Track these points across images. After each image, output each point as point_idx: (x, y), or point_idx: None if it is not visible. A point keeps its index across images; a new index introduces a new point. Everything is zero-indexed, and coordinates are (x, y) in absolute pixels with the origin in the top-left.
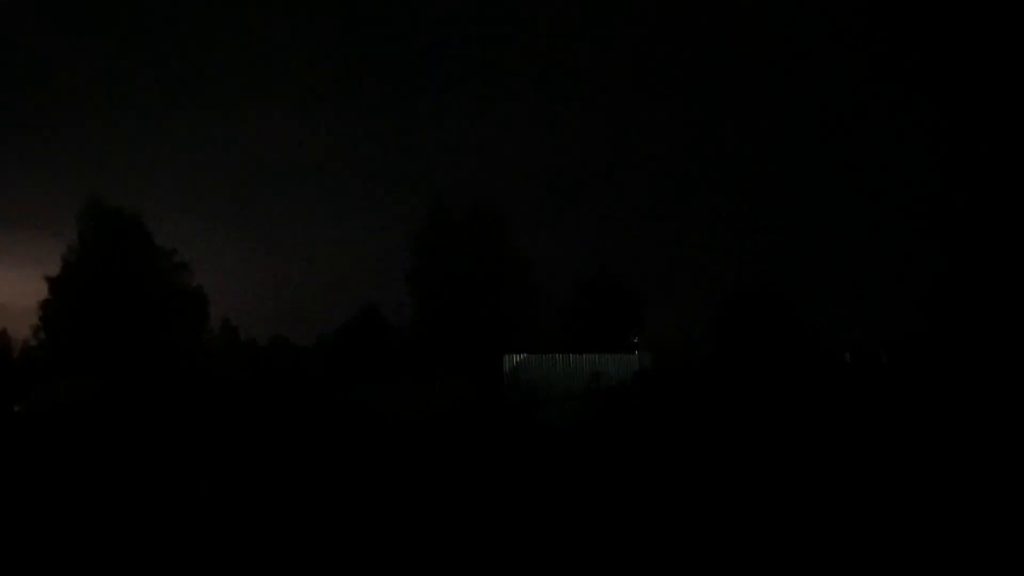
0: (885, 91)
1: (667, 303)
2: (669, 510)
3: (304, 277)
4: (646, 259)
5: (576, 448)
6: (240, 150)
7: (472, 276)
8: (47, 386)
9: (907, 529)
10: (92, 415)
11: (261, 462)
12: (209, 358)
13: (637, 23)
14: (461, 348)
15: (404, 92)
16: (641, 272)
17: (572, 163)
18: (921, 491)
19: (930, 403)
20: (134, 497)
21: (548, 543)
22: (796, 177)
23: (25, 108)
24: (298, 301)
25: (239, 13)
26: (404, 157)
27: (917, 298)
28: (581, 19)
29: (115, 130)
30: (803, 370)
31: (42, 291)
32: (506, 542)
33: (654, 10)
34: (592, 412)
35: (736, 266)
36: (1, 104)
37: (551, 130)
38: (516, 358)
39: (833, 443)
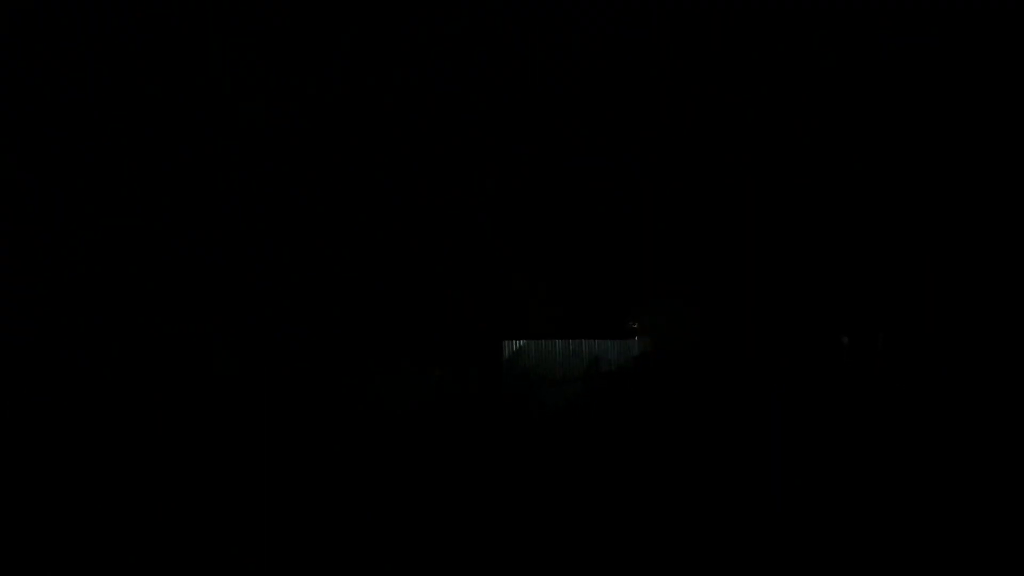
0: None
1: (666, 287)
2: (661, 498)
3: None
4: (646, 242)
5: (573, 430)
6: None
7: None
8: None
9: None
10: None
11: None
12: None
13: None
14: (463, 335)
15: None
16: (641, 255)
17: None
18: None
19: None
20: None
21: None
22: (792, 158)
23: None
24: None
25: None
26: None
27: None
28: None
29: None
30: (799, 355)
31: None
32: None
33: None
34: (592, 397)
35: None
36: None
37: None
38: (516, 344)
39: (824, 437)
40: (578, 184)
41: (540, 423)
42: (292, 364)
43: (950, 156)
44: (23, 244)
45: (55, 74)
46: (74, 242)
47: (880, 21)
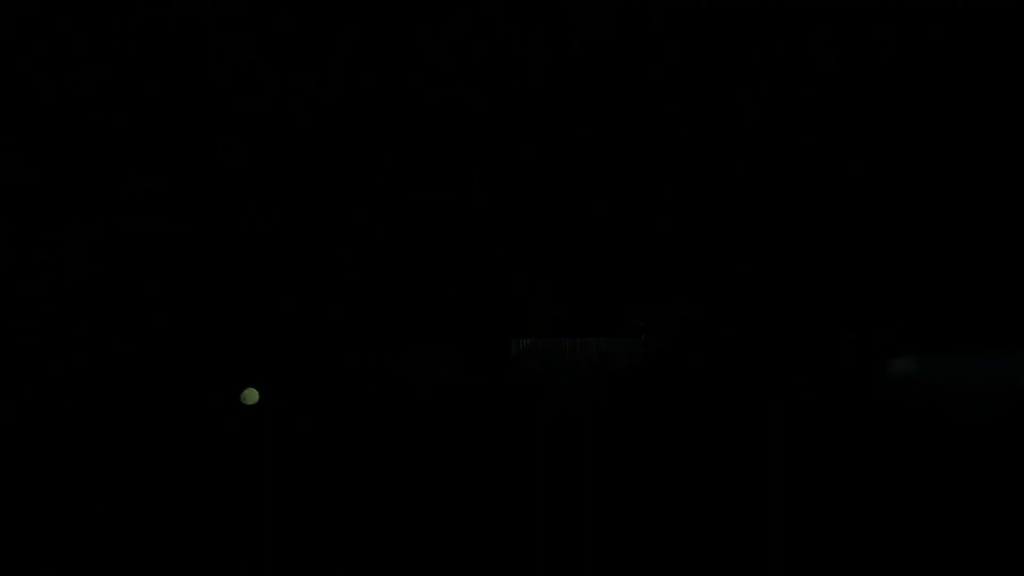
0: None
1: (672, 285)
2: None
3: None
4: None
5: (581, 434)
6: None
7: None
8: None
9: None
10: None
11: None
12: None
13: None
14: (466, 334)
15: None
16: (643, 255)
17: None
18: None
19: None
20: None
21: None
22: (793, 158)
23: None
24: None
25: None
26: None
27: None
28: None
29: None
30: (802, 354)
31: None
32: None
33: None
34: (598, 399)
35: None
36: None
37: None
38: (523, 342)
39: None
40: (578, 184)
41: (546, 425)
42: (291, 364)
43: (950, 154)
44: (23, 244)
45: (55, 74)
46: (74, 242)
47: (880, 21)
